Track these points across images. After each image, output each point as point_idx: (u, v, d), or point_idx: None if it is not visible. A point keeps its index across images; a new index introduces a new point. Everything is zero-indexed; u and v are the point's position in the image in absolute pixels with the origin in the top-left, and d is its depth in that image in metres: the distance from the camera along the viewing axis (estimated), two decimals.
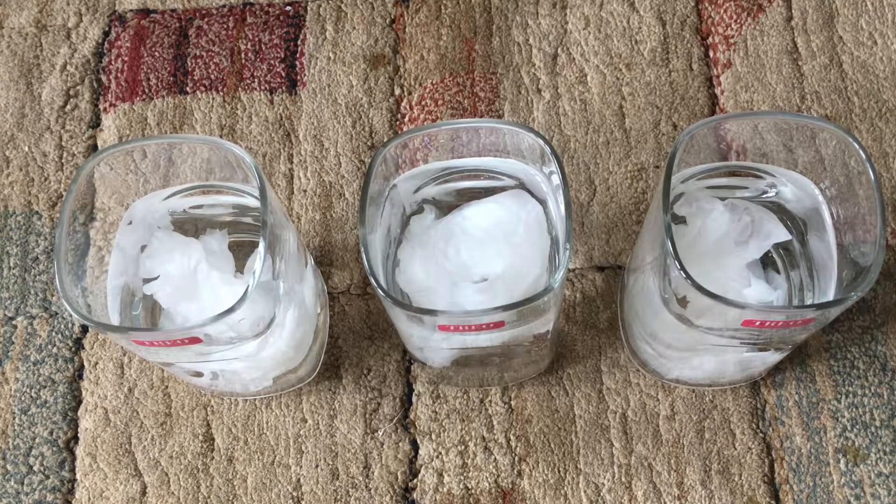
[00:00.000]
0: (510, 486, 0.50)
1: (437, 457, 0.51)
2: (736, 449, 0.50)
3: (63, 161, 0.59)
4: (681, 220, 0.44)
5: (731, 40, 0.60)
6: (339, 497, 0.50)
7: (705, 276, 0.38)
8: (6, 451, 0.52)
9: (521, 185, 0.44)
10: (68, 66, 0.61)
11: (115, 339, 0.39)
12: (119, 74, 0.61)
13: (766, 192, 0.45)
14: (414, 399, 0.52)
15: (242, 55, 0.61)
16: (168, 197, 0.45)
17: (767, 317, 0.36)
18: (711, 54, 0.60)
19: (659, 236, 0.38)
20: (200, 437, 0.52)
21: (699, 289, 0.36)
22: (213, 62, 0.61)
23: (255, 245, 0.45)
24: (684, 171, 0.43)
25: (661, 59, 0.59)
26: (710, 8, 0.61)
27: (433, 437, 0.51)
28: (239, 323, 0.39)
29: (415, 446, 0.51)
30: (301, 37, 0.61)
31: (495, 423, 0.51)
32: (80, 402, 0.53)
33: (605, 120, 0.58)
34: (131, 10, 0.63)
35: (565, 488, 0.50)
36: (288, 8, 0.62)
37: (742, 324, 0.37)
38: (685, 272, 0.36)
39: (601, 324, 0.54)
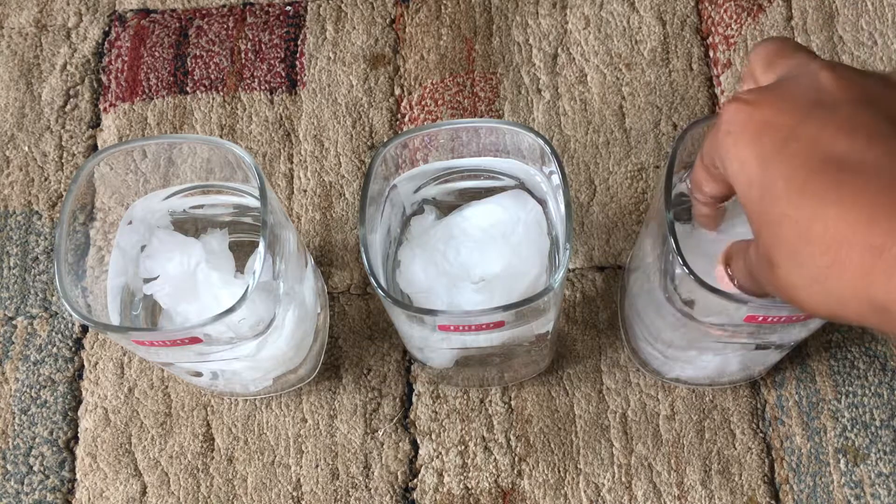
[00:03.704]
0: (510, 486, 0.50)
1: (437, 457, 0.51)
2: (736, 449, 0.50)
3: (63, 161, 0.59)
4: (684, 219, 0.44)
5: (731, 40, 0.60)
6: (339, 497, 0.50)
7: (709, 272, 0.38)
8: (6, 451, 0.52)
9: (521, 185, 0.44)
10: (68, 66, 0.61)
11: (115, 339, 0.39)
12: (119, 74, 0.61)
13: None
14: (414, 399, 0.52)
15: (242, 55, 0.61)
16: (168, 197, 0.45)
17: (769, 312, 0.36)
18: (711, 54, 0.60)
19: (661, 234, 0.38)
20: (200, 437, 0.52)
21: (702, 284, 0.36)
22: (213, 62, 0.61)
23: (255, 245, 0.45)
24: (685, 170, 0.43)
25: (661, 59, 0.59)
26: (710, 8, 0.61)
27: (433, 437, 0.51)
28: (239, 323, 0.39)
29: (415, 446, 0.51)
30: (301, 37, 0.61)
31: (495, 423, 0.51)
32: (80, 402, 0.53)
33: (605, 120, 0.58)
34: (131, 10, 0.63)
35: (565, 488, 0.50)
36: (288, 8, 0.62)
37: (744, 320, 0.37)
38: (688, 268, 0.36)
39: (601, 324, 0.53)
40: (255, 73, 0.60)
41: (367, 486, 0.50)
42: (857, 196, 0.27)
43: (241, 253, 0.46)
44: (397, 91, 0.59)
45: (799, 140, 0.28)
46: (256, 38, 0.61)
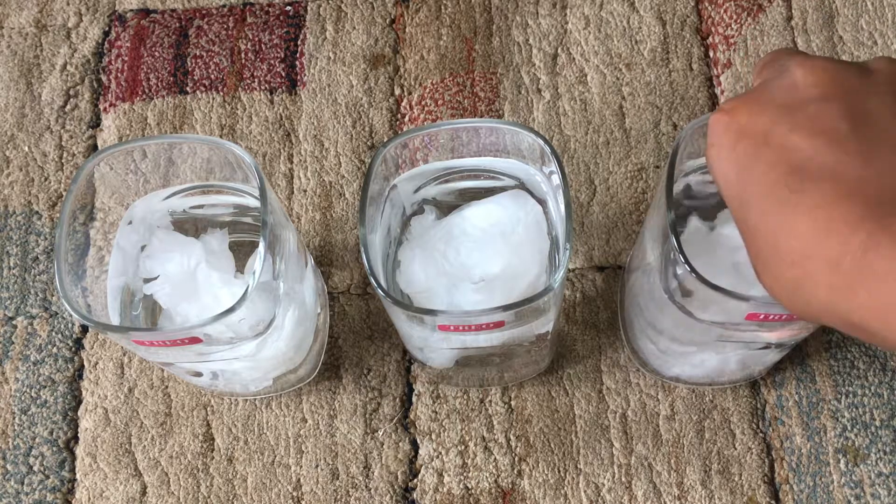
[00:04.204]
0: (510, 486, 0.50)
1: (437, 457, 0.51)
2: (736, 449, 0.50)
3: (63, 161, 0.59)
4: (705, 218, 0.44)
5: (731, 40, 0.60)
6: (339, 497, 0.50)
7: (713, 272, 0.38)
8: (6, 451, 0.52)
9: (521, 185, 0.44)
10: (68, 66, 0.61)
11: (115, 339, 0.39)
12: (119, 74, 0.61)
13: None
14: (414, 399, 0.52)
15: (242, 55, 0.61)
16: (168, 197, 0.45)
17: (770, 310, 0.36)
18: (711, 54, 0.60)
19: (663, 233, 0.38)
20: (200, 437, 0.52)
21: (704, 281, 0.36)
22: (213, 62, 0.61)
23: (255, 245, 0.45)
24: (685, 167, 0.43)
25: (661, 59, 0.59)
26: (710, 8, 0.61)
27: (433, 437, 0.51)
28: (239, 323, 0.39)
29: (415, 446, 0.51)
30: (301, 37, 0.61)
31: (495, 423, 0.51)
32: (80, 402, 0.53)
33: (605, 120, 0.58)
34: (131, 10, 0.63)
35: (565, 488, 0.50)
36: (288, 8, 0.62)
37: (746, 318, 0.37)
38: (690, 266, 0.36)
39: (601, 324, 0.54)
40: (255, 73, 0.60)
41: (367, 486, 0.50)
42: (816, 207, 0.26)
43: (241, 253, 0.46)
44: (397, 91, 0.59)
45: (769, 147, 0.28)
46: (256, 38, 0.61)
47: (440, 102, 0.59)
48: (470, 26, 0.61)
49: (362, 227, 0.38)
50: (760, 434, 0.51)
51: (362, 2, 0.62)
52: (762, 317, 0.37)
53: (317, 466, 0.51)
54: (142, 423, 0.52)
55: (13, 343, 0.54)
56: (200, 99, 0.60)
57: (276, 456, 0.51)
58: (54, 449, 0.52)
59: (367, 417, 0.52)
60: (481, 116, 0.58)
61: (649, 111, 0.58)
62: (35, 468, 0.52)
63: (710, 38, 0.60)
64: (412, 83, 0.60)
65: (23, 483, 0.51)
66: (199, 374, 0.46)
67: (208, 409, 0.52)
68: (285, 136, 0.58)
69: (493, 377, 0.51)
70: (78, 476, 0.51)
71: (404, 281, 0.44)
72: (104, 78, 0.61)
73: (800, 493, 0.49)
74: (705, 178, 0.44)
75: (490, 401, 0.52)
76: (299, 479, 0.51)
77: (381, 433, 0.52)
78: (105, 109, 0.60)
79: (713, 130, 0.31)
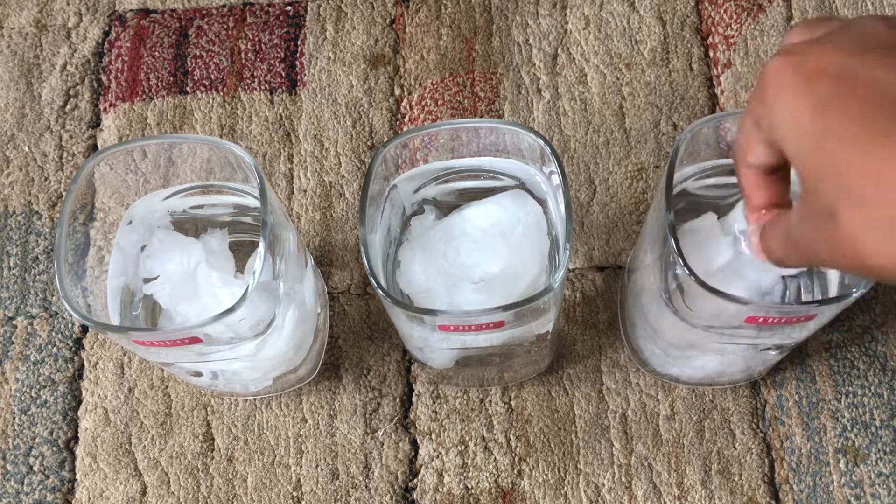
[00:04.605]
0: (510, 486, 0.50)
1: (437, 457, 0.51)
2: (736, 449, 0.50)
3: (63, 161, 0.59)
4: (720, 214, 0.44)
5: (731, 40, 0.60)
6: (339, 497, 0.50)
7: (713, 274, 0.38)
8: (6, 451, 0.52)
9: (521, 185, 0.44)
10: (68, 66, 0.61)
11: (115, 339, 0.39)
12: (119, 74, 0.61)
13: None
14: (414, 399, 0.52)
15: (242, 55, 0.61)
16: (168, 197, 0.45)
17: (769, 313, 0.36)
18: (711, 54, 0.60)
19: (662, 235, 0.38)
20: (200, 437, 0.52)
21: (703, 285, 0.36)
22: (213, 62, 0.61)
23: (255, 245, 0.45)
24: (685, 170, 0.43)
25: (661, 59, 0.59)
26: (710, 8, 0.61)
27: (433, 437, 0.51)
28: (239, 323, 0.39)
29: (415, 446, 0.51)
30: (301, 37, 0.61)
31: (495, 423, 0.51)
32: (80, 402, 0.53)
33: (605, 120, 0.58)
34: (131, 10, 0.63)
35: (565, 488, 0.50)
36: (288, 8, 0.62)
37: (745, 321, 0.37)
38: (689, 268, 0.36)
39: (601, 324, 0.54)
40: (255, 73, 0.60)
41: (367, 486, 0.50)
42: None
43: (241, 253, 0.46)
44: (397, 91, 0.59)
45: (858, 81, 0.28)
46: (256, 38, 0.61)
47: (440, 102, 0.59)
48: (470, 26, 0.61)
49: (362, 227, 0.38)
50: (760, 434, 0.51)
51: (362, 2, 0.62)
52: (761, 320, 0.37)
53: (317, 466, 0.51)
54: (142, 423, 0.52)
55: (13, 343, 0.54)
56: (200, 99, 0.60)
57: (276, 456, 0.51)
58: (54, 449, 0.52)
59: (367, 417, 0.52)
60: (481, 116, 0.58)
61: (649, 111, 0.58)
62: (35, 468, 0.52)
63: (710, 38, 0.60)
64: (412, 83, 0.60)
65: (23, 483, 0.51)
66: (199, 374, 0.46)
67: (208, 409, 0.52)
68: (285, 136, 0.58)
69: (493, 377, 0.51)
70: (78, 476, 0.51)
71: (404, 281, 0.44)
72: (104, 78, 0.61)
73: (800, 493, 0.49)
74: (703, 183, 0.44)
75: (490, 401, 0.52)
76: (299, 479, 0.51)
77: (381, 433, 0.52)
78: (105, 109, 0.60)
79: (778, 74, 0.30)
